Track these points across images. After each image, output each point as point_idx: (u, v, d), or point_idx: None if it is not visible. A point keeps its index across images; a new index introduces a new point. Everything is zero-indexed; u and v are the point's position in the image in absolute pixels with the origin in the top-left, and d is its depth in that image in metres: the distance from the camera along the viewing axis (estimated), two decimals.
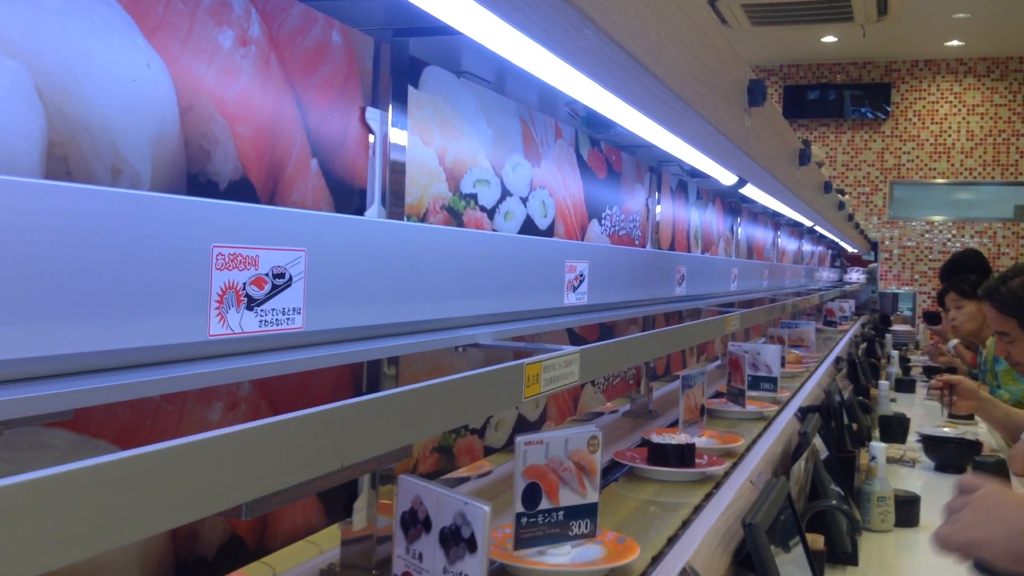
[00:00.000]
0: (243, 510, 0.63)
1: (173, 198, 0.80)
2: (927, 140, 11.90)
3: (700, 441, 2.47)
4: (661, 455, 2.18)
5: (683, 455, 2.18)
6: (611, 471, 2.20)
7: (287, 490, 0.61)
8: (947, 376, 3.70)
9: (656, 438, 2.24)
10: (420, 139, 1.58)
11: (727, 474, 2.25)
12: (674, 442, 2.19)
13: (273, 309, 0.90)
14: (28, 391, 0.65)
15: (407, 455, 0.86)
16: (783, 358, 4.10)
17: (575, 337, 2.37)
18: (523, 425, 2.10)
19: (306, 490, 0.70)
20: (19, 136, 0.85)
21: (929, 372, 5.90)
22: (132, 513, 0.48)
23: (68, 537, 0.44)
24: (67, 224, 0.70)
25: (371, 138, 1.39)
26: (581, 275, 1.75)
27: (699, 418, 2.56)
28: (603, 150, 2.55)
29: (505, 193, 1.93)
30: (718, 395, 3.33)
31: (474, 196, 1.79)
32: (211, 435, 0.53)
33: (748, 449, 2.57)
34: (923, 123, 11.91)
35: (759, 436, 2.81)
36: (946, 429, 3.74)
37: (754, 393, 3.33)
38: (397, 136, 1.42)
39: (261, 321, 0.88)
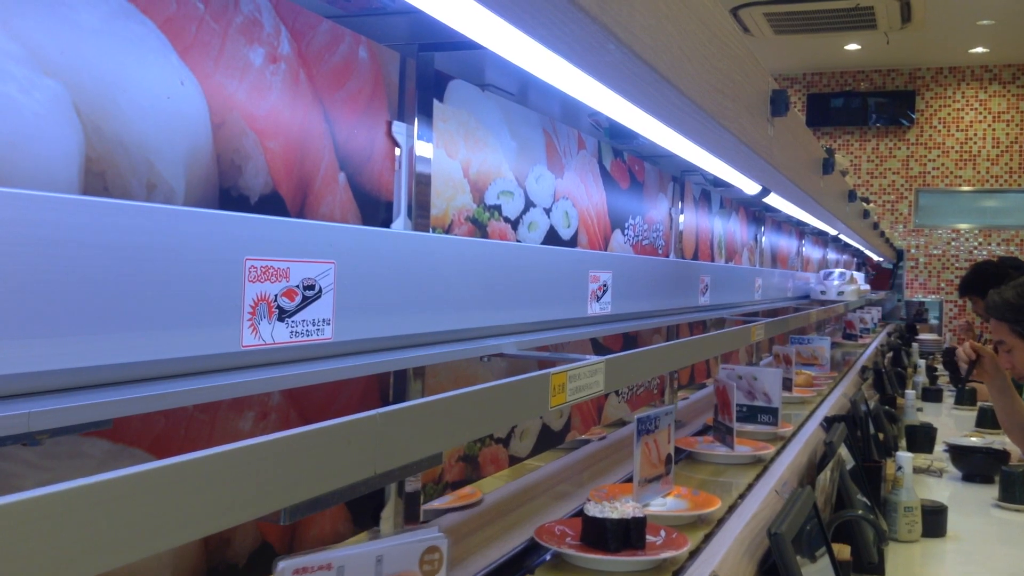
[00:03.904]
0: (282, 515, 0.65)
1: (207, 212, 0.82)
2: (952, 148, 11.81)
3: (664, 504, 1.93)
4: (598, 534, 1.58)
5: (628, 535, 1.58)
6: (533, 554, 1.64)
7: (322, 496, 0.63)
8: (978, 346, 3.43)
9: (593, 509, 1.61)
10: (445, 152, 1.60)
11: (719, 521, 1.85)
12: (615, 515, 1.58)
13: (304, 320, 0.92)
14: (70, 401, 0.67)
15: (437, 463, 0.87)
16: (789, 381, 3.59)
17: (599, 347, 2.38)
18: (548, 435, 2.11)
19: (339, 497, 0.72)
20: (58, 153, 0.87)
21: (955, 382, 5.85)
22: (183, 517, 0.50)
23: (123, 540, 0.46)
24: (104, 239, 0.72)
25: (397, 151, 1.41)
26: (605, 285, 1.76)
27: (664, 472, 1.98)
28: (626, 160, 2.56)
29: (529, 204, 1.94)
30: (707, 429, 2.82)
31: (498, 207, 1.81)
32: (253, 442, 0.55)
33: (731, 509, 1.98)
34: (948, 130, 11.83)
35: (747, 490, 2.18)
36: (973, 439, 3.71)
37: (749, 427, 2.81)
38: (423, 149, 1.44)
39: (292, 332, 0.90)
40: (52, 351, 0.68)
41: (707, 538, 1.76)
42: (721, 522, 1.83)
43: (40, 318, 0.67)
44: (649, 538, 1.63)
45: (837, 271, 5.11)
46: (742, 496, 2.12)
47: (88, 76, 0.91)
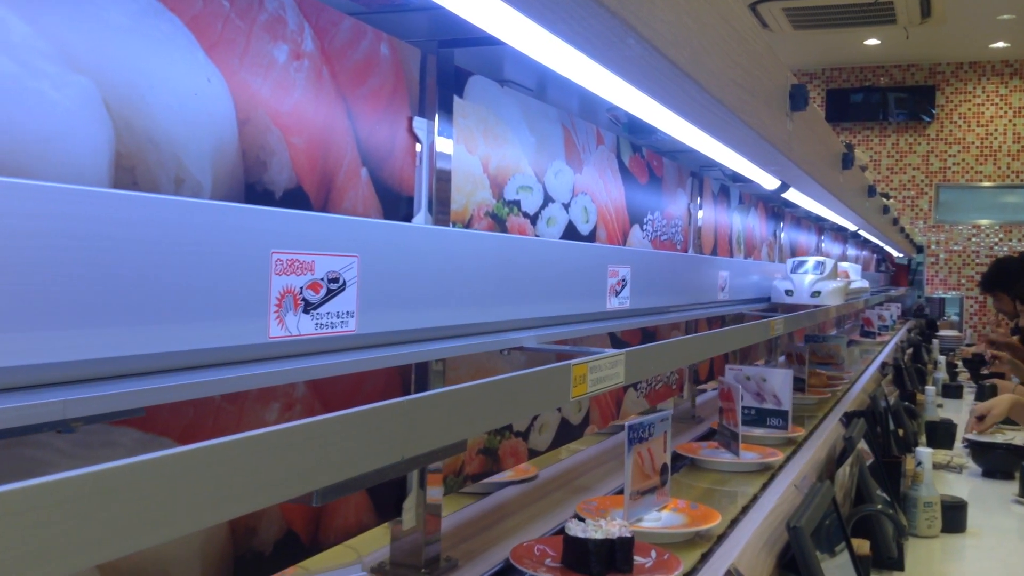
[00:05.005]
0: (314, 497, 0.66)
1: (235, 206, 0.84)
2: (973, 143, 11.72)
3: (658, 519, 1.76)
4: (579, 556, 1.42)
5: (612, 557, 1.42)
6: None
7: (351, 480, 0.65)
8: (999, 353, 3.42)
9: (575, 527, 1.45)
10: (465, 147, 1.61)
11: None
12: (599, 535, 1.42)
13: (328, 312, 0.93)
14: (104, 389, 0.69)
15: (461, 450, 0.89)
16: (802, 381, 3.44)
17: (617, 342, 2.39)
18: (567, 428, 2.12)
19: (368, 480, 0.73)
20: (89, 148, 0.89)
21: (977, 378, 5.83)
22: (225, 495, 0.52)
23: (170, 515, 0.48)
24: (137, 232, 0.73)
25: (418, 147, 1.43)
26: (623, 280, 1.77)
27: (659, 483, 1.82)
28: (644, 155, 2.57)
29: (547, 199, 1.95)
30: (712, 433, 2.66)
31: (517, 203, 1.82)
32: (290, 425, 0.57)
33: (733, 525, 1.83)
34: (968, 126, 11.74)
35: (751, 503, 2.02)
36: (994, 435, 3.70)
37: (758, 431, 2.67)
38: (443, 145, 1.46)
39: (317, 324, 0.92)
40: (86, 341, 0.69)
41: (704, 558, 1.61)
42: (721, 539, 1.72)
43: (75, 309, 0.68)
44: (638, 559, 1.47)
45: (812, 260, 3.24)
46: (745, 509, 1.96)
47: (117, 73, 0.92)
